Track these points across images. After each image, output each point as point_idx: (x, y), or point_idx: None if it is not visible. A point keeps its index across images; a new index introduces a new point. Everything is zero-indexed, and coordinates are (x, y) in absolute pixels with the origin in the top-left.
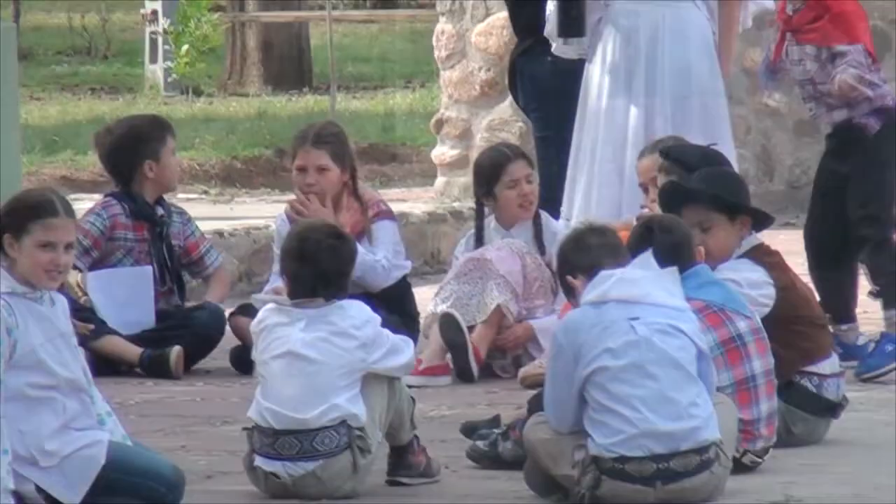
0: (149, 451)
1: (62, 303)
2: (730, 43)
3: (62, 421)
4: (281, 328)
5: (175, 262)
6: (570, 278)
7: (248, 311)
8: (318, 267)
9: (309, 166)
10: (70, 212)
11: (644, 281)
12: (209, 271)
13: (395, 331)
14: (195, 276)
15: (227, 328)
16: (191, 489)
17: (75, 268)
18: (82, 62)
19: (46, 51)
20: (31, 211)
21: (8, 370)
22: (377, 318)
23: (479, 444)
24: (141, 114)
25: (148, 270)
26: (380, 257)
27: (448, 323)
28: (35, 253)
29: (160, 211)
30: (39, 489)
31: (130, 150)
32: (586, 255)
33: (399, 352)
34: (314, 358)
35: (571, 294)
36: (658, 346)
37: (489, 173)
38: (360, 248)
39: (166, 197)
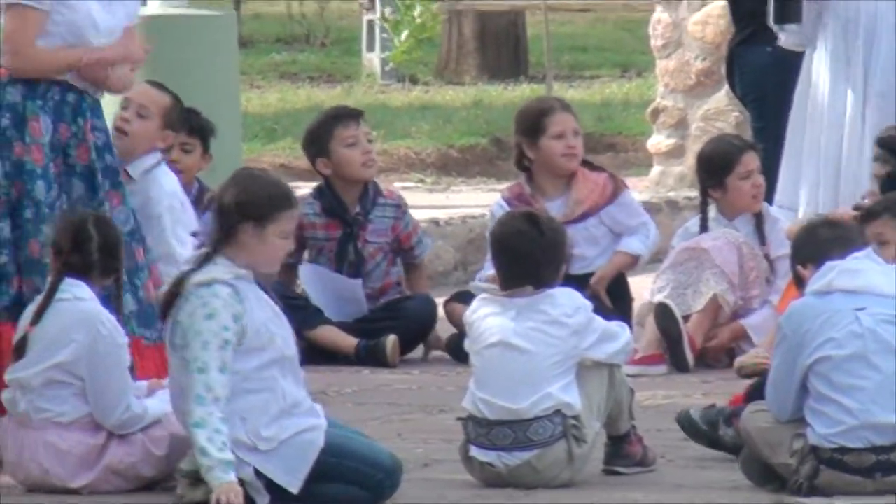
0: (366, 438)
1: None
2: None
3: (282, 407)
4: (493, 318)
5: (362, 264)
6: (799, 268)
7: (463, 298)
8: (520, 257)
9: (568, 131)
10: None
11: (870, 272)
12: (415, 262)
13: (607, 318)
14: (401, 260)
15: (440, 316)
16: (407, 477)
17: None
18: (301, 50)
19: (266, 39)
20: (281, 201)
21: (239, 355)
22: (588, 305)
23: (698, 419)
24: (326, 109)
25: (358, 284)
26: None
27: (664, 313)
28: (276, 242)
29: (356, 209)
30: (258, 473)
31: (306, 152)
32: (816, 246)
33: (614, 337)
34: (526, 348)
35: (801, 284)
36: (882, 336)
37: (721, 163)
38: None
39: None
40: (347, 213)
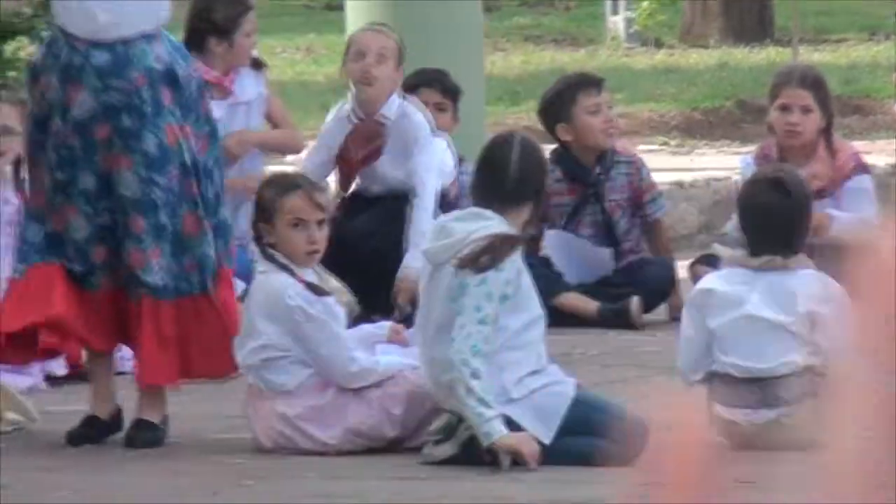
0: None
1: None
2: None
3: (535, 367)
4: (737, 292)
5: (610, 223)
6: None
7: (709, 260)
8: (769, 227)
9: (793, 106)
10: None
11: None
12: (649, 220)
13: None
14: (637, 218)
15: (682, 278)
16: (652, 439)
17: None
18: (545, 13)
19: (510, 2)
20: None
21: (508, 311)
22: (837, 293)
23: None
24: (565, 75)
25: (606, 254)
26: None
27: None
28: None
29: (597, 169)
30: (510, 426)
31: (543, 117)
32: None
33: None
34: (776, 318)
35: None
36: None
37: None
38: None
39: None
40: (589, 175)
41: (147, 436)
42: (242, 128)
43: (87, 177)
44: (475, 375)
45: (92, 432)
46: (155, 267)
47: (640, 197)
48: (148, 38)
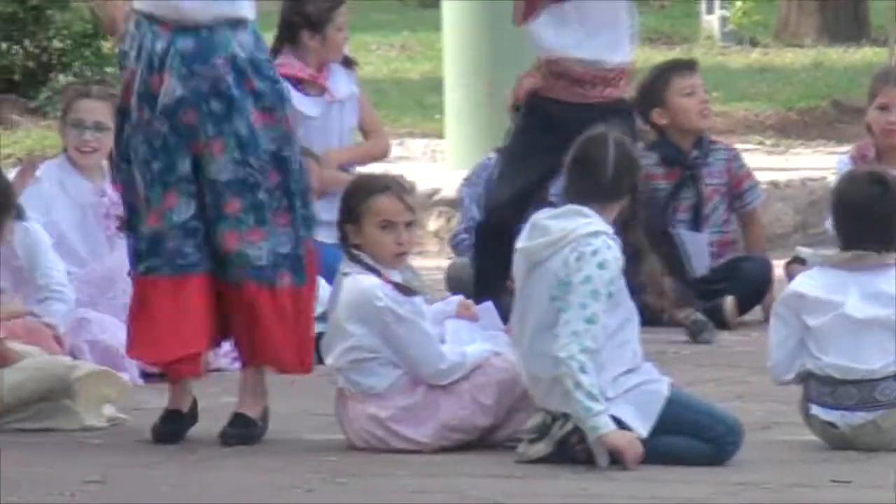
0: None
1: None
2: None
3: (630, 365)
4: (833, 287)
5: (702, 206)
6: None
7: (803, 260)
8: (865, 219)
9: (892, 105)
10: None
11: None
12: (746, 209)
13: None
14: (734, 210)
15: (778, 278)
16: (748, 439)
17: None
18: (639, 11)
19: None
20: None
21: (609, 309)
22: None
23: None
24: (659, 63)
25: (703, 238)
26: None
27: None
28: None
29: (694, 153)
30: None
31: (641, 104)
32: None
33: None
34: (872, 315)
35: None
36: None
37: None
38: None
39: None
40: (686, 158)
41: (243, 433)
42: (326, 149)
43: (184, 161)
44: (583, 370)
45: (176, 427)
46: (258, 246)
47: (739, 185)
48: (232, 24)
